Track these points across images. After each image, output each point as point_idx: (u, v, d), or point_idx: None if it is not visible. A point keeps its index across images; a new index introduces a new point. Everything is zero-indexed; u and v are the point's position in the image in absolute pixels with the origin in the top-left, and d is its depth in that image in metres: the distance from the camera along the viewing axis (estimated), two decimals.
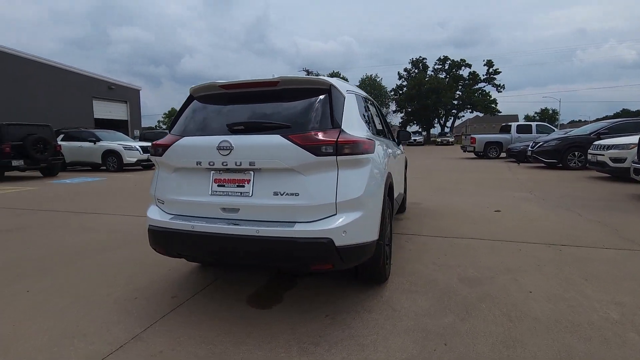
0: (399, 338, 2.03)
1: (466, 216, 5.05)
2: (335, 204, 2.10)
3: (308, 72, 50.81)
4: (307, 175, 2.12)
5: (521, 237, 3.97)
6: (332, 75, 64.51)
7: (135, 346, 2.01)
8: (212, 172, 2.27)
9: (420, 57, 51.47)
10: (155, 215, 2.40)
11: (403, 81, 51.63)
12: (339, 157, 2.11)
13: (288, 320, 2.26)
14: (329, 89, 2.35)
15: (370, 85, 51.04)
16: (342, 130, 2.20)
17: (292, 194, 2.11)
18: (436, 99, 45.68)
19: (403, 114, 51.53)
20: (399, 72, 52.52)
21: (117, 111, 26.74)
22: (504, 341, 1.98)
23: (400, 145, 4.90)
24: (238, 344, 2.00)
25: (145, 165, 14.07)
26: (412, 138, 40.22)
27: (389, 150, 3.16)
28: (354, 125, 2.39)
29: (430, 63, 50.20)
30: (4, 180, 10.81)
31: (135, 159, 13.47)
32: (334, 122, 2.22)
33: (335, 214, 2.11)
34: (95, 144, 13.60)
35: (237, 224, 2.14)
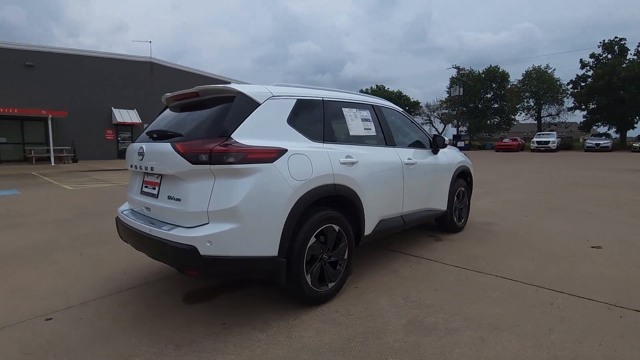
0: None
1: (542, 248, 3.86)
2: (207, 213, 2.08)
3: (459, 70, 46.82)
4: (190, 183, 2.16)
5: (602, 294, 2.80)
6: (376, 88, 57.84)
7: (70, 312, 2.51)
8: (144, 174, 2.58)
9: (616, 38, 39.94)
10: (121, 207, 2.89)
11: (587, 70, 41.20)
12: (213, 166, 2.07)
13: (183, 319, 2.36)
14: (234, 97, 2.31)
15: (537, 78, 42.95)
16: (230, 139, 2.14)
17: (177, 199, 2.21)
18: (636, 91, 34.57)
19: (585, 112, 41.16)
20: (581, 59, 42.15)
21: None
22: None
23: (447, 151, 4.17)
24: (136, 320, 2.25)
25: None
26: (594, 142, 31.77)
27: (357, 159, 2.78)
28: (260, 133, 2.27)
29: (632, 45, 38.07)
30: None
31: None
32: (223, 131, 2.17)
33: (208, 223, 2.08)
34: None
35: (150, 222, 2.38)
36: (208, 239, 2.02)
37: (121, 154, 20.74)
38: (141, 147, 2.45)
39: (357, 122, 3.07)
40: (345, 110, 3.00)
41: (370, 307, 2.53)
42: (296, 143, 2.42)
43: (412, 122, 3.94)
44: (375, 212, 3.02)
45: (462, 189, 4.54)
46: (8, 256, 3.76)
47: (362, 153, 2.91)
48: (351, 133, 2.97)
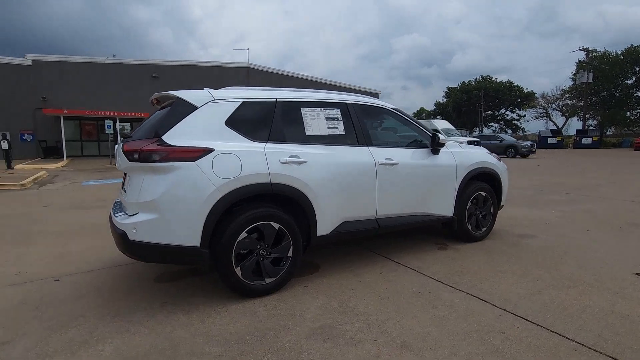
0: (138, 339, 2.11)
1: (563, 270, 3.21)
2: (137, 204, 2.40)
3: (588, 52, 39.20)
4: (131, 178, 2.52)
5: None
6: (481, 79, 46.48)
7: (76, 276, 3.15)
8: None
9: None
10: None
11: None
12: (142, 164, 2.38)
13: (142, 294, 2.75)
14: (173, 102, 2.57)
15: None
16: (160, 139, 2.41)
17: (125, 192, 2.59)
18: None
19: None
20: None
21: None
22: None
23: (456, 150, 3.77)
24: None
25: None
26: None
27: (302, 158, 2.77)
28: (195, 134, 2.49)
29: None
30: None
31: None
32: (156, 133, 2.46)
33: (137, 213, 2.40)
34: None
35: (118, 212, 2.81)
36: (134, 226, 2.35)
37: None
38: (118, 147, 2.94)
39: (318, 122, 3.04)
40: (305, 110, 3.01)
41: (298, 307, 2.54)
42: (229, 143, 2.57)
43: (406, 120, 3.66)
44: (334, 213, 2.97)
45: (483, 193, 4.00)
46: (87, 228, 4.82)
47: (316, 153, 2.89)
48: (308, 133, 2.96)
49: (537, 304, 2.54)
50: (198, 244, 2.41)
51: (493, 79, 54.06)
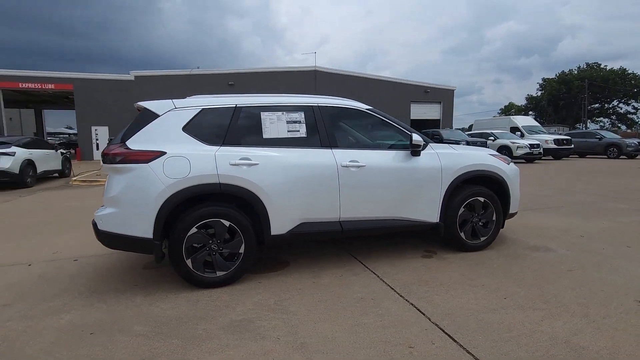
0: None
1: (556, 292, 2.81)
2: (105, 199, 2.82)
3: None
4: (107, 177, 2.96)
5: None
6: (586, 67, 36.23)
7: (92, 258, 3.78)
8: None
9: None
10: None
11: None
12: (108, 165, 2.78)
13: (123, 277, 3.20)
14: (140, 111, 2.94)
15: None
16: (124, 145, 2.80)
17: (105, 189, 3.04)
18: None
19: None
20: None
21: (430, 112, 29.80)
22: None
23: (443, 152, 3.53)
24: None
25: None
26: None
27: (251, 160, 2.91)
28: (154, 139, 2.83)
29: None
30: None
31: None
32: (123, 138, 2.85)
33: (106, 207, 2.83)
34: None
35: None
36: (100, 218, 2.78)
37: None
38: None
39: (278, 125, 3.15)
40: (265, 115, 3.14)
41: (236, 300, 2.69)
42: (182, 147, 2.85)
43: (383, 121, 3.53)
44: (290, 213, 3.05)
45: (481, 199, 3.64)
46: None
47: (269, 155, 3.01)
48: (265, 136, 3.09)
49: (480, 322, 2.29)
50: (151, 236, 2.74)
51: (602, 66, 46.35)
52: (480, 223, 3.71)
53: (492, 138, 17.67)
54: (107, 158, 2.80)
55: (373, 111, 3.54)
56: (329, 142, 3.24)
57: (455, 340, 2.09)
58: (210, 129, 2.99)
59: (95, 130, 21.51)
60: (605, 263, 3.28)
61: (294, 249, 3.89)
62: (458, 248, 3.68)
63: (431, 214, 3.49)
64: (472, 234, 3.68)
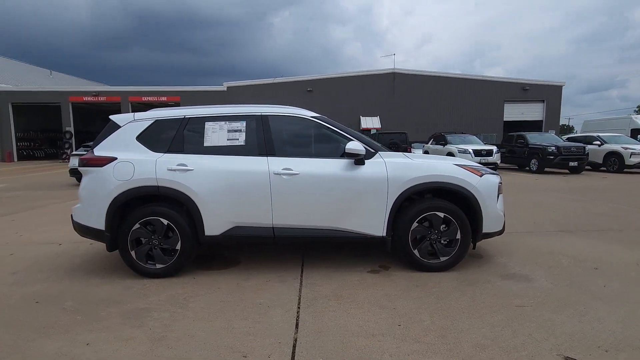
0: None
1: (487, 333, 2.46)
2: (78, 195, 3.44)
3: None
4: None
5: None
6: None
7: (74, 244, 4.58)
8: None
9: None
10: None
11: None
12: (80, 167, 3.38)
13: (109, 261, 3.82)
14: (108, 123, 3.48)
15: None
16: (92, 151, 3.37)
17: None
18: None
19: None
20: None
21: (530, 112, 26.15)
22: None
23: (394, 161, 3.30)
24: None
25: None
26: None
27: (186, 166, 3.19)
28: (115, 147, 3.33)
29: None
30: None
31: None
32: (92, 146, 3.42)
33: (78, 202, 3.44)
34: (444, 146, 15.64)
35: None
36: (74, 211, 3.40)
37: None
38: None
39: (219, 134, 3.37)
40: (208, 124, 3.39)
41: (153, 291, 2.98)
42: (132, 154, 3.28)
43: (328, 128, 3.44)
44: (223, 217, 3.25)
45: (440, 214, 3.27)
46: None
47: (205, 162, 3.25)
48: (206, 144, 3.34)
49: (341, 346, 2.14)
50: (103, 228, 3.25)
51: None
52: (442, 241, 3.33)
53: (597, 142, 14.77)
54: (80, 162, 3.42)
55: (319, 119, 3.49)
56: (266, 150, 3.34)
57: (292, 358, 2.03)
58: (159, 138, 3.39)
59: None
60: (579, 304, 2.63)
61: (254, 249, 4.06)
62: (414, 267, 3.37)
63: (376, 227, 3.28)
64: (431, 252, 3.33)
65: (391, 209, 3.26)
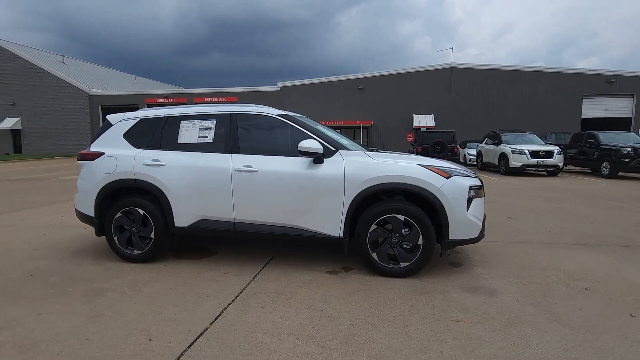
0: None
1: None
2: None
3: None
4: None
5: None
6: None
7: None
8: None
9: None
10: None
11: None
12: (78, 161, 3.85)
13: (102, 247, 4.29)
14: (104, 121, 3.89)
15: None
16: (89, 147, 3.81)
17: None
18: None
19: None
20: None
21: (616, 108, 22.67)
22: None
23: (354, 159, 3.22)
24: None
25: (534, 172, 12.90)
26: None
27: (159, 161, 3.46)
28: (107, 143, 3.73)
29: None
30: None
31: (520, 164, 12.82)
32: (90, 142, 3.86)
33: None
34: (497, 146, 14.39)
35: None
36: (74, 199, 3.88)
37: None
38: None
39: (191, 132, 3.57)
40: (183, 123, 3.62)
41: (123, 274, 3.28)
42: (117, 150, 3.64)
43: (293, 127, 3.43)
44: (190, 210, 3.45)
45: (401, 217, 3.09)
46: None
47: (175, 158, 3.48)
48: (179, 141, 3.57)
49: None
50: (93, 215, 3.68)
51: None
52: (404, 246, 3.15)
53: None
54: (77, 156, 3.89)
55: (285, 117, 3.51)
56: (231, 148, 3.46)
57: (189, 346, 2.12)
58: (141, 135, 3.71)
59: None
60: (528, 326, 2.32)
61: (236, 243, 4.22)
62: (374, 271, 3.24)
63: (332, 227, 3.22)
64: (388, 256, 3.17)
65: (348, 209, 3.17)
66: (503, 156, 13.59)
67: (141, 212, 3.54)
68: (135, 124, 3.75)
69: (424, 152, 14.42)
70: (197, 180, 3.43)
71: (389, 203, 3.16)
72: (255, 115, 3.57)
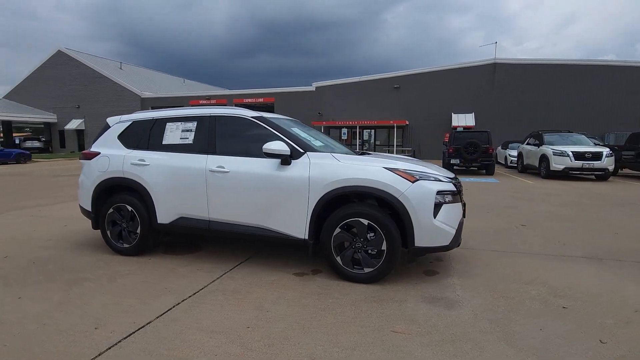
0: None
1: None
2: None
3: None
4: None
5: None
6: None
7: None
8: None
9: None
10: None
11: None
12: (80, 160, 4.19)
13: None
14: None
15: None
16: (91, 147, 4.14)
17: None
18: None
19: None
20: None
21: None
22: None
23: (321, 162, 3.18)
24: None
25: (578, 176, 11.73)
26: None
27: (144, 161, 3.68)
28: (105, 144, 4.03)
29: None
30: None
31: (562, 167, 11.77)
32: (92, 142, 4.19)
33: None
34: (538, 147, 13.33)
35: None
36: (77, 195, 4.24)
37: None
38: None
39: (175, 134, 3.74)
40: (168, 125, 3.80)
41: (108, 266, 3.52)
42: (111, 150, 3.92)
43: (265, 129, 3.45)
44: (170, 207, 3.63)
45: (365, 221, 3.00)
46: None
47: (158, 158, 3.67)
48: (163, 142, 3.75)
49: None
50: (90, 209, 3.99)
51: None
52: (369, 251, 3.06)
53: None
54: (80, 155, 4.25)
55: (259, 119, 3.55)
56: (207, 149, 3.58)
57: (125, 338, 2.24)
58: (132, 136, 3.96)
59: None
60: (470, 343, 2.15)
61: (221, 240, 4.35)
62: (338, 275, 3.18)
63: (298, 229, 3.21)
64: (352, 261, 3.10)
65: (312, 211, 3.15)
66: (544, 158, 12.56)
67: (129, 208, 3.78)
68: (128, 126, 4.02)
69: (456, 153, 13.76)
70: (176, 179, 3.59)
71: (354, 207, 3.08)
72: (231, 117, 3.66)
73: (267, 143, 3.22)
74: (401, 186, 2.94)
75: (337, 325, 2.37)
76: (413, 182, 2.96)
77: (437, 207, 2.97)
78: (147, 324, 2.42)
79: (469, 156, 13.49)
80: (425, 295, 2.83)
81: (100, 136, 4.16)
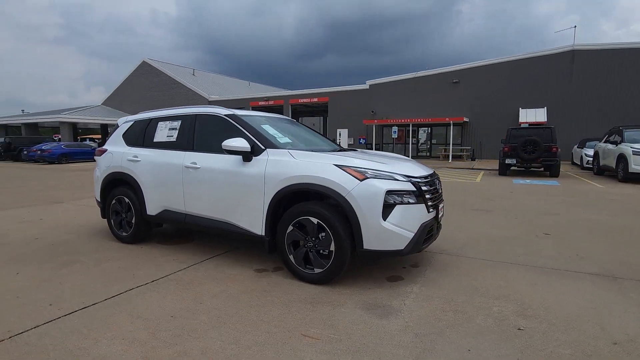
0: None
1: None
2: None
3: None
4: None
5: None
6: None
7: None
8: None
9: None
10: None
11: None
12: (94, 157, 4.70)
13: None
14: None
15: None
16: (104, 145, 4.63)
17: None
18: None
19: None
20: None
21: None
22: None
23: (279, 159, 3.16)
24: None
25: None
26: None
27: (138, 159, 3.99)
28: (114, 142, 4.49)
29: None
30: (509, 174, 13.01)
31: None
32: (105, 140, 4.68)
33: None
34: (617, 145, 11.44)
35: None
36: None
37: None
38: None
39: (164, 132, 3.99)
40: (160, 124, 4.07)
41: (100, 253, 3.92)
42: (116, 147, 4.33)
43: (234, 126, 3.50)
44: (156, 200, 3.90)
45: (314, 220, 2.90)
46: None
47: (147, 154, 3.96)
48: (155, 140, 4.04)
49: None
50: (99, 199, 4.48)
51: None
52: (321, 251, 2.96)
53: None
54: (96, 152, 4.77)
55: (230, 117, 3.62)
56: (187, 146, 3.77)
57: (64, 316, 2.48)
58: (132, 135, 4.33)
59: (339, 132, 26.66)
60: (376, 355, 1.95)
61: (211, 234, 4.54)
62: (292, 273, 3.13)
63: (256, 225, 3.22)
64: (305, 260, 3.02)
65: (268, 208, 3.14)
66: (622, 158, 10.74)
67: (126, 200, 4.16)
68: (131, 125, 4.42)
69: (512, 153, 12.44)
70: (160, 174, 3.85)
71: (306, 205, 3.00)
72: (209, 115, 3.80)
73: (227, 140, 3.28)
74: (348, 184, 2.78)
75: (253, 323, 2.34)
76: (362, 180, 2.78)
77: (389, 208, 2.74)
78: (92, 304, 2.64)
79: (527, 155, 12.09)
80: (368, 302, 2.64)
81: (111, 135, 4.64)
